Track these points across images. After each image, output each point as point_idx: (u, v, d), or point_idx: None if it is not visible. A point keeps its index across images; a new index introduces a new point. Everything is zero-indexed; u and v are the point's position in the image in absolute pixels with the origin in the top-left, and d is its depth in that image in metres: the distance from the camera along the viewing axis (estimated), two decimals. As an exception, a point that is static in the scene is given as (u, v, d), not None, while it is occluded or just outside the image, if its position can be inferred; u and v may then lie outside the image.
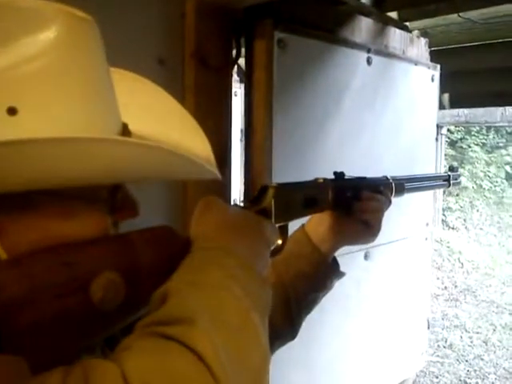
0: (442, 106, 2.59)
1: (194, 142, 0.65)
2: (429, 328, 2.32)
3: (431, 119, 2.45)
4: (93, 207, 0.54)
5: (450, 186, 1.16)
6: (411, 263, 2.20)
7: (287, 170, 1.67)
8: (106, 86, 0.53)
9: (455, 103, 2.67)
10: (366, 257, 1.95)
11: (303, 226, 0.93)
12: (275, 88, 1.59)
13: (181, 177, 0.66)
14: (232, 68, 1.62)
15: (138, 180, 0.60)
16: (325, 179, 0.87)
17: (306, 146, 1.73)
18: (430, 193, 2.42)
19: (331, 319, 1.89)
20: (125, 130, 0.57)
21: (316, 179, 0.87)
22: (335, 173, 0.90)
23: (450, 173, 1.16)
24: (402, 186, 0.98)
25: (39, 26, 0.46)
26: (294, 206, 0.78)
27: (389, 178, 0.97)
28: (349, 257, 1.88)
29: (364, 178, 0.93)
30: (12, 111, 0.45)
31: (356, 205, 0.89)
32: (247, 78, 1.61)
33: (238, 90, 3.10)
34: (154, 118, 0.65)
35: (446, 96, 2.52)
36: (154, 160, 0.50)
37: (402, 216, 2.13)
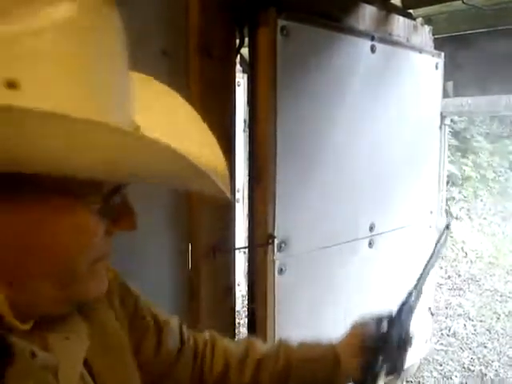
0: (445, 95, 2.58)
1: (210, 156, 0.62)
2: (432, 316, 2.33)
3: (435, 107, 2.45)
4: (85, 206, 0.50)
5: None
6: (415, 251, 2.21)
7: (291, 160, 1.67)
8: (119, 78, 0.50)
9: (459, 91, 2.65)
10: (370, 244, 1.96)
11: (334, 346, 0.92)
12: (279, 76, 1.60)
13: (184, 185, 0.61)
14: (235, 58, 1.62)
15: (139, 179, 0.54)
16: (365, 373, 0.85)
17: (310, 134, 1.74)
18: (433, 181, 2.43)
19: (335, 306, 1.91)
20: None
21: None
22: (365, 348, 0.88)
23: (446, 230, 1.11)
24: (420, 291, 0.98)
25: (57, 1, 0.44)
26: None
27: (409, 300, 0.94)
28: (353, 244, 1.89)
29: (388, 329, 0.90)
30: (12, 85, 0.42)
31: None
32: (250, 67, 1.61)
33: (240, 80, 3.09)
34: (172, 127, 0.61)
35: (450, 84, 2.51)
36: (159, 160, 0.46)
37: (406, 204, 2.14)
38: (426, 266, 1.00)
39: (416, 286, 0.97)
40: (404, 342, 0.89)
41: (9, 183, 0.45)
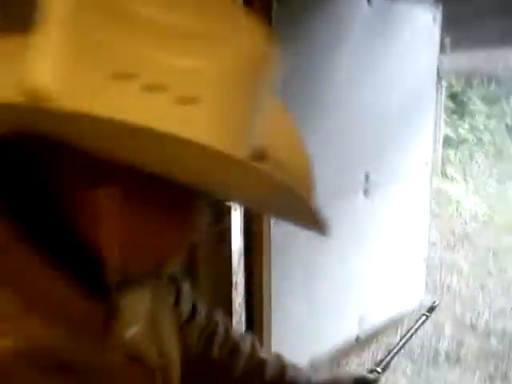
0: (443, 50, 2.62)
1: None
2: (427, 268, 2.43)
3: (432, 62, 2.49)
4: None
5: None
6: (411, 201, 2.29)
7: (287, 105, 1.72)
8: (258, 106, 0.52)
9: (456, 46, 2.69)
10: (365, 193, 2.04)
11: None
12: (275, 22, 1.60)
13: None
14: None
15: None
16: None
17: (308, 84, 1.79)
18: (429, 131, 2.49)
19: (331, 255, 1.99)
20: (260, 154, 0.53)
21: None
22: None
23: (427, 313, 1.10)
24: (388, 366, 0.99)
25: (238, 33, 0.47)
26: None
27: (373, 374, 0.97)
28: (349, 193, 1.96)
29: None
30: (185, 101, 0.43)
31: None
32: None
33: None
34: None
35: (448, 39, 2.55)
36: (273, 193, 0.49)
37: (402, 154, 2.21)
38: (399, 344, 1.00)
39: (386, 363, 0.98)
40: None
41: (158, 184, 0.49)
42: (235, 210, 1.88)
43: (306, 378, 0.93)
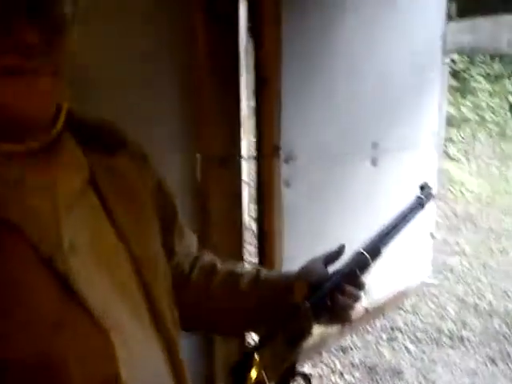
0: (449, 17, 2.52)
1: None
2: (433, 238, 2.38)
3: (438, 28, 2.40)
4: None
5: (424, 207, 1.00)
6: (418, 171, 2.23)
7: (297, 70, 1.63)
8: None
9: (463, 12, 2.59)
10: (373, 163, 1.98)
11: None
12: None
13: None
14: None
15: None
16: (299, 304, 0.79)
17: (317, 47, 1.71)
18: (434, 101, 2.42)
19: (337, 224, 1.94)
20: None
21: (294, 304, 0.79)
22: (311, 285, 0.82)
23: (421, 195, 0.99)
24: (377, 250, 0.90)
25: None
26: (280, 353, 0.74)
27: (362, 251, 0.87)
28: (357, 160, 1.90)
29: (339, 272, 0.85)
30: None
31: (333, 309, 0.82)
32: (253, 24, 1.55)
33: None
34: None
35: (454, 5, 2.45)
36: None
37: (408, 123, 2.14)
38: (396, 224, 0.92)
39: (372, 245, 0.89)
40: (354, 291, 0.84)
41: None
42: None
43: (282, 273, 0.91)
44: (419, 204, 0.97)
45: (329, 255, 0.88)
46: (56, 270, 0.57)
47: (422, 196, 0.99)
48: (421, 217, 0.96)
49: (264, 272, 0.90)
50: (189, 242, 0.89)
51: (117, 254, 0.66)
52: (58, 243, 0.59)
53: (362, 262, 0.87)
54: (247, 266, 0.93)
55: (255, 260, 1.82)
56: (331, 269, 0.87)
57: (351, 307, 0.83)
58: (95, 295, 0.59)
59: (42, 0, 0.56)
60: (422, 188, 1.01)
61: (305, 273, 0.86)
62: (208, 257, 0.90)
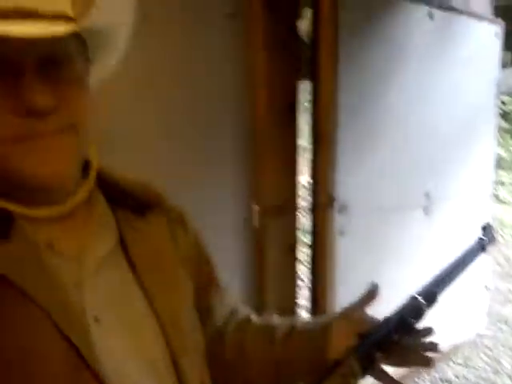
0: (504, 64, 2.51)
1: None
2: (488, 290, 2.28)
3: (493, 77, 2.38)
4: None
5: (485, 250, 0.91)
6: (471, 220, 2.17)
7: (353, 124, 1.67)
8: None
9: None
10: (425, 211, 1.96)
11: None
12: (340, 45, 1.59)
13: None
14: (299, 16, 1.61)
15: None
16: (344, 359, 0.71)
17: (372, 101, 1.74)
18: (488, 148, 2.37)
19: (397, 271, 1.90)
20: None
21: (337, 360, 0.71)
22: (360, 335, 0.75)
23: (483, 236, 0.90)
24: (433, 295, 0.81)
25: None
26: None
27: (416, 295, 0.80)
28: (410, 210, 1.89)
29: (390, 320, 0.76)
30: None
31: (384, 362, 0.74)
32: (313, 30, 1.62)
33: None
34: None
35: (509, 54, 2.43)
36: None
37: (461, 171, 2.12)
38: (453, 269, 0.83)
39: (427, 290, 0.81)
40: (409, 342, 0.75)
41: None
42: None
43: (320, 322, 0.83)
44: (480, 246, 0.89)
45: (364, 298, 0.80)
46: (71, 342, 0.54)
47: (484, 237, 0.90)
48: (476, 265, 0.90)
49: (301, 322, 0.84)
50: (228, 301, 0.86)
51: (144, 321, 0.63)
52: (80, 320, 0.57)
53: (415, 308, 0.78)
54: (284, 318, 0.87)
55: (308, 309, 1.81)
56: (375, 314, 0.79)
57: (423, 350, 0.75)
58: (113, 367, 0.57)
59: (53, 55, 0.54)
60: (484, 229, 0.92)
61: (346, 320, 0.78)
62: (243, 311, 0.87)
